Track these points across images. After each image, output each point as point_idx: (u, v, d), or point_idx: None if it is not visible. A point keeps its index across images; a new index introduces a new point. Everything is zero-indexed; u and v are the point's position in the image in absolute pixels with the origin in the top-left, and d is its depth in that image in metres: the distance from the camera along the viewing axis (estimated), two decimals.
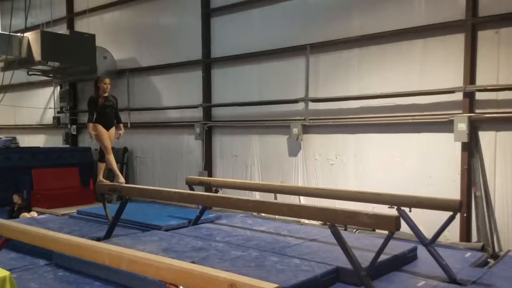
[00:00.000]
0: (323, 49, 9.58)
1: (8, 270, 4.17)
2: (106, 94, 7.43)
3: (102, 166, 7.61)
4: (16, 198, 11.06)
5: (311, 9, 9.73)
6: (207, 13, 11.49)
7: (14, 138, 17.46)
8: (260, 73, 10.67)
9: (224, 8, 11.17)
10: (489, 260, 6.83)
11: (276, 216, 8.50)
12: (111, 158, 7.55)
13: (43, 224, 7.92)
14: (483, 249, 7.29)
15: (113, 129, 7.54)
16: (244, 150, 11.02)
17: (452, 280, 5.38)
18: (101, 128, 7.36)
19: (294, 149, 10.10)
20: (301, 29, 9.88)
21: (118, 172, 7.61)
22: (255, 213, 9.08)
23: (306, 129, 9.84)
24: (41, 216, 9.65)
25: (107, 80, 7.37)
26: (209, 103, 11.59)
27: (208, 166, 11.65)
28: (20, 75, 14.10)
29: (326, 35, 9.46)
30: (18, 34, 11.80)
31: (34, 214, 10.05)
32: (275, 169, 10.45)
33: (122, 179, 7.41)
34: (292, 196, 9.28)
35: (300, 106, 9.90)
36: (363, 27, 8.99)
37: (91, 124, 7.38)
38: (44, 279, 5.60)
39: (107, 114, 7.43)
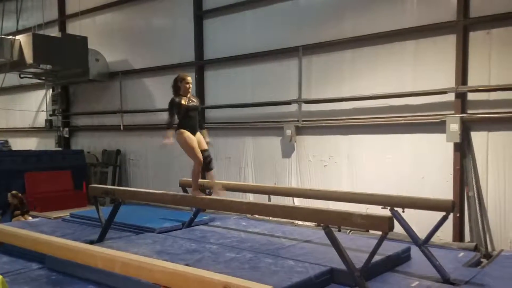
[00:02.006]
0: (315, 51, 9.60)
1: (1, 274, 4.14)
2: (189, 95, 6.14)
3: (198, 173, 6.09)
4: (10, 198, 9.88)
5: (304, 11, 9.75)
6: (200, 15, 11.48)
7: (6, 141, 17.40)
8: (253, 75, 10.68)
9: (217, 10, 11.16)
10: (482, 260, 6.85)
11: (270, 218, 8.49)
12: (199, 170, 6.19)
13: (35, 227, 7.87)
14: (476, 249, 7.31)
15: (199, 135, 6.19)
16: (237, 151, 11.01)
17: (445, 280, 5.40)
18: (187, 134, 5.97)
19: (287, 151, 10.11)
20: (294, 31, 9.89)
21: (197, 187, 6.31)
22: (249, 215, 9.07)
23: (299, 131, 9.85)
24: (34, 219, 9.57)
25: (189, 79, 6.12)
26: (202, 105, 11.54)
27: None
28: (12, 78, 14.02)
29: (319, 37, 9.48)
30: (10, 37, 11.74)
31: (28, 218, 9.76)
32: (268, 170, 10.45)
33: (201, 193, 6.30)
34: (286, 198, 9.30)
35: (293, 107, 9.90)
36: (355, 28, 9.02)
37: (171, 131, 6.02)
38: (37, 282, 5.56)
39: (192, 118, 6.07)
